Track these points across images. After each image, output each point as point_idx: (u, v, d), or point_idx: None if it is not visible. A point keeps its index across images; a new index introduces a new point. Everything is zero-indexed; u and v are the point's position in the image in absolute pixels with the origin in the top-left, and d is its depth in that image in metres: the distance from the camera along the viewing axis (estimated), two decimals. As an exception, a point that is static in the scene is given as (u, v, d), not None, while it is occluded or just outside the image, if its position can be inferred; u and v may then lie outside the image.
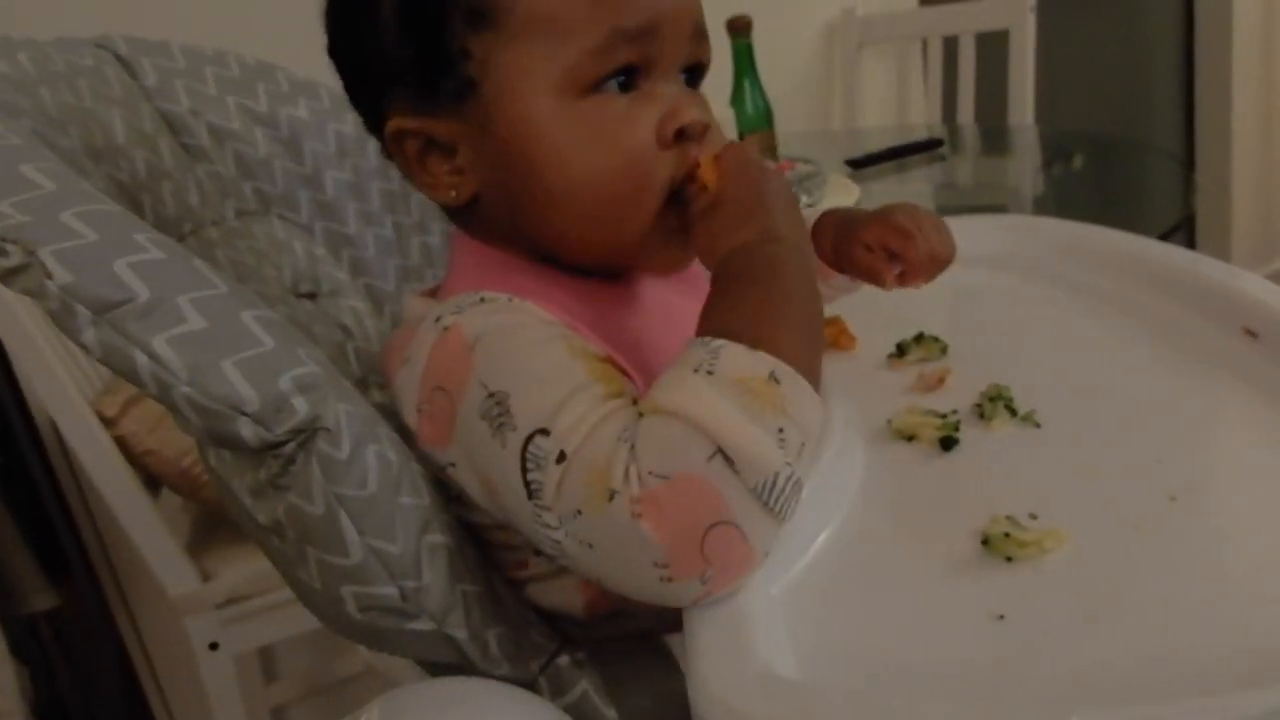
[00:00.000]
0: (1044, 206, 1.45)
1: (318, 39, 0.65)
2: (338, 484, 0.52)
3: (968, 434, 0.63)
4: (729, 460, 0.47)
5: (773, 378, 0.49)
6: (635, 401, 0.53)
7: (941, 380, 0.70)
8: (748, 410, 0.48)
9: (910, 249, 0.69)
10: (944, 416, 0.65)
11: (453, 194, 0.63)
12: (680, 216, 0.61)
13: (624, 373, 0.58)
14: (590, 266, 0.64)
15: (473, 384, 0.55)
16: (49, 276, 0.49)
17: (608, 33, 0.58)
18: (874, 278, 0.71)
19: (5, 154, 0.53)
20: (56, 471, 1.88)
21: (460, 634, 0.56)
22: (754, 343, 0.50)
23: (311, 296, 0.82)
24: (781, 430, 0.49)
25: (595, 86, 0.60)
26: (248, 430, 0.50)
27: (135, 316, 0.50)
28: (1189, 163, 3.04)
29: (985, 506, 0.55)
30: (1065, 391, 0.66)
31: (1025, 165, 1.79)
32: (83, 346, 0.50)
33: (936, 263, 0.71)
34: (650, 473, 0.48)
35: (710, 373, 0.49)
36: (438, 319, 0.59)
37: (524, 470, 0.52)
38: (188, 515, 1.61)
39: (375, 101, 0.64)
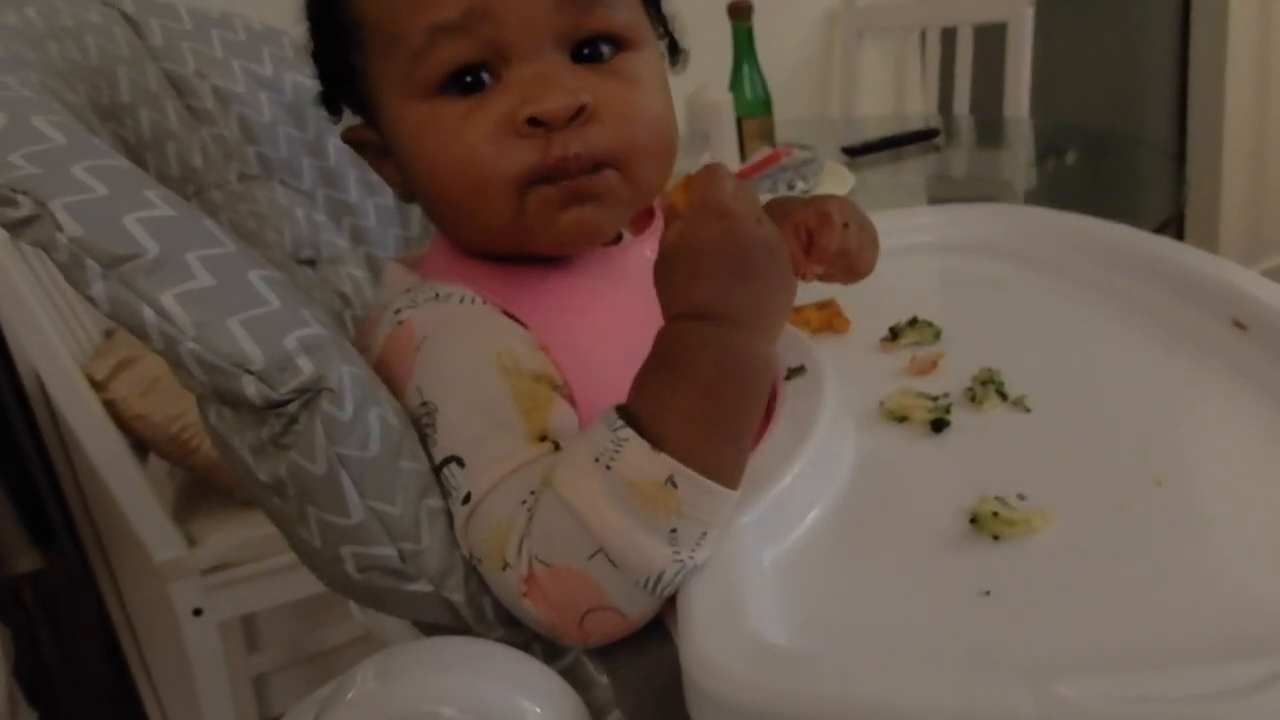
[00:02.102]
0: (1036, 200, 1.46)
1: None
2: (340, 444, 0.53)
3: (959, 417, 0.64)
4: (611, 560, 0.49)
5: (670, 482, 0.49)
6: (558, 444, 0.55)
7: (934, 364, 0.71)
8: (637, 514, 0.49)
9: (824, 236, 0.67)
10: (935, 399, 0.65)
11: (400, 193, 0.67)
12: (565, 189, 0.59)
13: (558, 386, 0.58)
14: (512, 256, 0.63)
15: (411, 387, 0.58)
16: (59, 229, 0.49)
17: (426, 31, 0.58)
18: (794, 266, 0.69)
19: (16, 105, 0.53)
20: (43, 434, 1.88)
21: (458, 597, 0.57)
22: (659, 439, 0.49)
23: (311, 263, 0.82)
24: (675, 530, 0.49)
25: (441, 87, 0.59)
26: (252, 388, 0.51)
27: (144, 272, 0.50)
28: (1180, 159, 3.06)
29: (974, 487, 0.56)
30: (1056, 377, 0.67)
31: (1019, 158, 1.80)
32: (91, 300, 0.50)
33: (844, 261, 0.70)
34: (537, 557, 0.51)
35: (608, 467, 0.49)
36: (396, 310, 0.61)
37: (440, 486, 0.56)
38: (174, 481, 1.61)
39: (337, 108, 0.68)
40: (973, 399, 0.65)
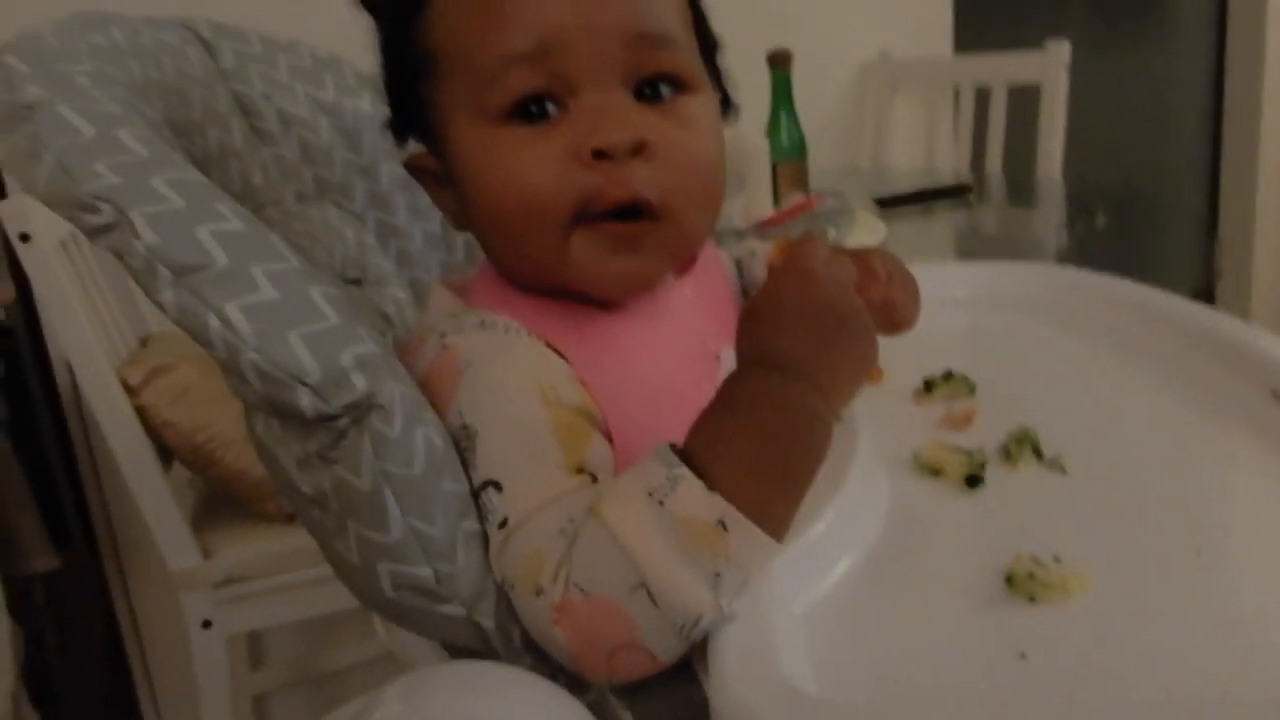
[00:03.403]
0: (1066, 261, 1.47)
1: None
2: (386, 461, 0.54)
3: (993, 473, 0.64)
4: (652, 597, 0.49)
5: (721, 524, 0.50)
6: (595, 477, 0.56)
7: (969, 419, 0.71)
8: (686, 552, 0.49)
9: (869, 288, 0.68)
10: (970, 454, 0.66)
11: (454, 220, 0.68)
12: (614, 234, 0.60)
13: (597, 422, 0.59)
14: (558, 291, 0.64)
15: (453, 410, 0.59)
16: (136, 236, 0.51)
17: (499, 60, 0.59)
18: None
19: (104, 119, 0.55)
20: (70, 433, 1.90)
21: (488, 623, 0.58)
22: (715, 479, 0.50)
23: (357, 283, 0.84)
24: (719, 574, 0.50)
25: (508, 114, 0.60)
26: (306, 401, 0.52)
27: (212, 281, 0.52)
28: (1213, 225, 3.06)
29: (1009, 545, 0.56)
30: (1092, 439, 0.67)
31: (1049, 218, 1.81)
32: (160, 305, 0.52)
33: (890, 312, 0.70)
34: (575, 583, 0.51)
35: (661, 503, 0.50)
36: (442, 334, 0.62)
37: (476, 508, 0.57)
38: (194, 491, 1.62)
39: (403, 136, 0.70)
40: (1008, 456, 0.66)
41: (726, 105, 0.71)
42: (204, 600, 1.47)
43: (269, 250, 0.55)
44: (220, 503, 1.56)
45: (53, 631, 1.92)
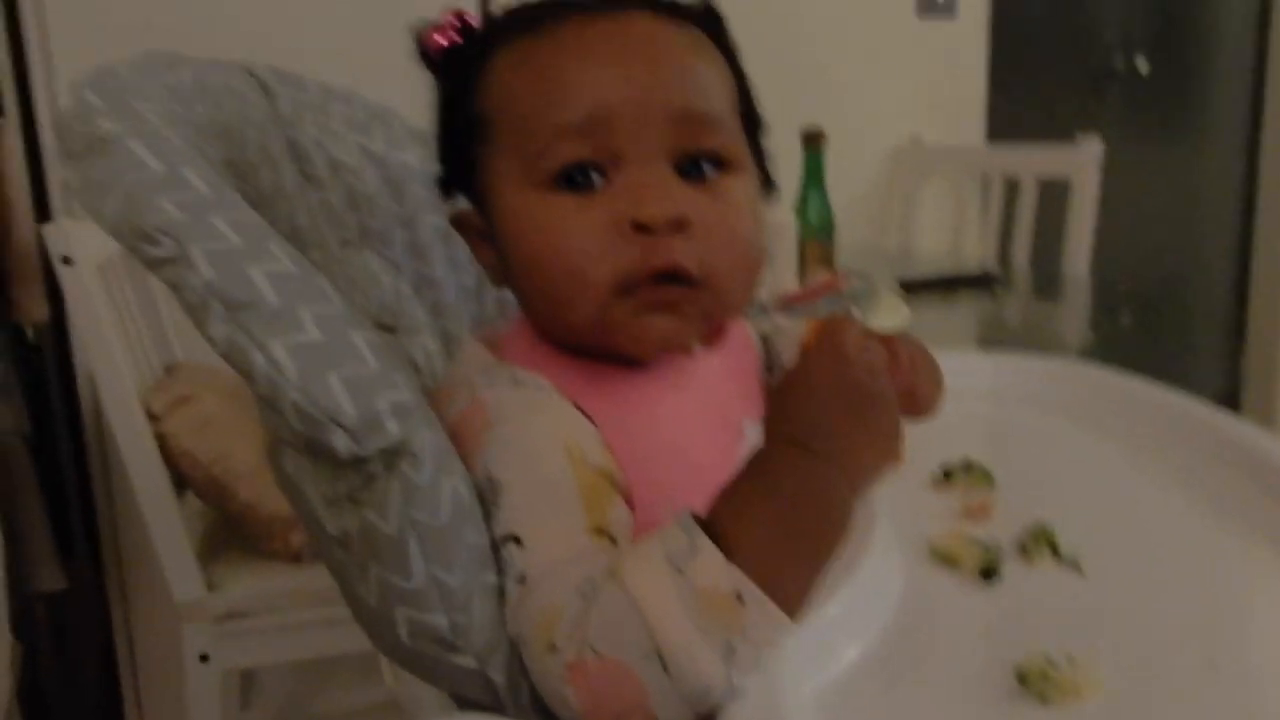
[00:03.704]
0: (1089, 358, 1.47)
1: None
2: (413, 508, 0.55)
3: (1009, 567, 0.64)
4: (664, 663, 0.50)
5: (738, 597, 0.50)
6: (615, 539, 0.56)
7: (986, 510, 0.72)
8: (701, 622, 0.50)
9: (893, 373, 0.67)
10: (986, 546, 0.66)
11: (494, 277, 0.70)
12: (652, 297, 0.61)
13: (619, 486, 0.60)
14: (592, 351, 0.65)
15: (479, 462, 0.60)
16: (194, 271, 0.53)
17: (551, 129, 0.61)
18: None
19: (172, 156, 0.57)
20: (88, 454, 1.91)
21: (499, 677, 0.58)
22: (735, 551, 0.51)
23: (391, 330, 0.85)
24: (733, 648, 0.50)
25: (554, 182, 0.62)
26: (341, 442, 0.53)
27: (262, 319, 0.53)
28: (1239, 332, 3.06)
29: (1023, 642, 0.56)
30: (1110, 541, 0.68)
31: (1074, 314, 1.82)
32: (209, 339, 0.53)
33: (912, 398, 0.71)
34: (590, 644, 0.51)
35: (680, 570, 0.51)
36: (473, 387, 0.63)
37: (496, 561, 0.57)
38: (204, 522, 1.63)
39: (450, 192, 0.72)
40: (1024, 552, 0.66)
41: (768, 184, 0.72)
42: (204, 633, 1.47)
43: (317, 293, 0.57)
44: (229, 536, 1.57)
45: (50, 650, 1.91)
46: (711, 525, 0.52)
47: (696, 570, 0.50)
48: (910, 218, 2.53)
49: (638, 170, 0.61)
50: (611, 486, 0.60)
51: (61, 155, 0.61)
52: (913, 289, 1.73)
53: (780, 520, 0.53)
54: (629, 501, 0.61)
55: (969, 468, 0.77)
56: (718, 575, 0.50)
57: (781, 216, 1.61)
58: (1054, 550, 0.66)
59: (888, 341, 0.71)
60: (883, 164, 2.61)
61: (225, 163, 0.68)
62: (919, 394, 0.72)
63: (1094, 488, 0.78)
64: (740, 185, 0.65)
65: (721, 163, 0.64)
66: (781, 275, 1.56)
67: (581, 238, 0.61)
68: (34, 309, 1.85)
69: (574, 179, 0.61)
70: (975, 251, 2.44)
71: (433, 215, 0.91)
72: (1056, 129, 2.42)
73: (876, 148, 2.59)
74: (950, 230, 2.53)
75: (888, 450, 0.59)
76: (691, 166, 0.63)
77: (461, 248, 0.93)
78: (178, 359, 1.66)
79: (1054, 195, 2.24)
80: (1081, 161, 2.16)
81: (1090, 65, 3.01)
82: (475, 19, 0.69)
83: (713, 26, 0.68)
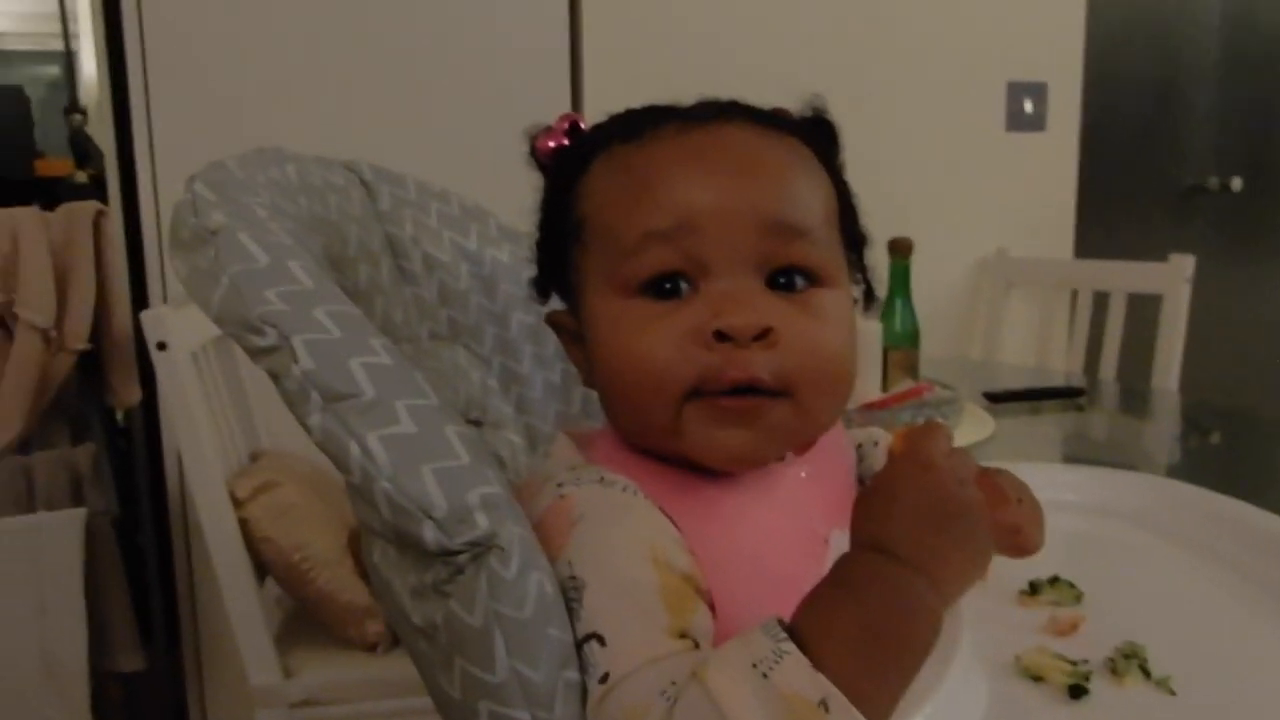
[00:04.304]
0: (1176, 475, 1.44)
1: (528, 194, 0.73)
2: (499, 602, 0.55)
3: (1098, 686, 0.63)
4: None
5: (823, 705, 0.49)
6: (697, 643, 0.56)
7: (1075, 626, 0.70)
8: None
9: (999, 510, 0.66)
10: (1074, 664, 0.65)
11: (584, 378, 0.71)
12: (725, 408, 0.61)
13: (702, 591, 0.59)
14: (671, 458, 0.65)
15: (562, 559, 0.59)
16: (295, 361, 0.55)
17: (639, 235, 0.62)
18: None
19: (277, 249, 0.60)
20: (171, 537, 1.95)
21: None
22: (821, 659, 0.50)
23: (478, 424, 0.87)
24: None
25: (641, 288, 0.62)
26: (430, 534, 0.54)
27: (358, 411, 0.55)
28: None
29: (1112, 763, 0.55)
30: (1201, 663, 0.66)
31: (1163, 431, 1.78)
32: (306, 427, 0.55)
33: (1017, 536, 0.69)
34: None
35: (765, 675, 0.50)
36: (559, 484, 0.64)
37: (578, 660, 0.57)
38: (282, 609, 1.64)
39: (546, 292, 0.73)
40: (1114, 671, 0.64)
41: (870, 298, 0.72)
42: (279, 719, 1.48)
43: (412, 386, 0.58)
44: (307, 623, 1.58)
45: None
46: (797, 632, 0.52)
47: (781, 676, 0.50)
48: (995, 329, 2.51)
49: (725, 280, 0.62)
50: (694, 591, 0.59)
51: (171, 244, 0.64)
52: (998, 400, 1.71)
53: (866, 629, 0.52)
54: (711, 607, 0.60)
55: (1055, 582, 0.76)
56: (803, 682, 0.49)
57: (865, 323, 1.61)
58: (1144, 670, 0.64)
59: (993, 475, 0.69)
60: (969, 275, 2.60)
61: (325, 256, 0.70)
62: (1024, 532, 0.70)
63: (1183, 607, 0.75)
64: (832, 298, 0.65)
65: (813, 276, 0.64)
66: (865, 383, 1.56)
67: (661, 345, 0.61)
68: (127, 393, 1.92)
69: (660, 286, 0.62)
70: (1061, 365, 2.40)
71: (522, 313, 0.93)
72: (1145, 246, 2.40)
73: (963, 258, 2.59)
74: (1036, 343, 2.51)
75: (976, 561, 0.57)
76: (782, 278, 0.63)
77: (549, 345, 0.95)
78: (263, 446, 1.69)
79: (1142, 310, 2.21)
80: (1173, 278, 2.13)
81: (1181, 183, 2.99)
82: (585, 124, 0.71)
83: (817, 140, 0.69)
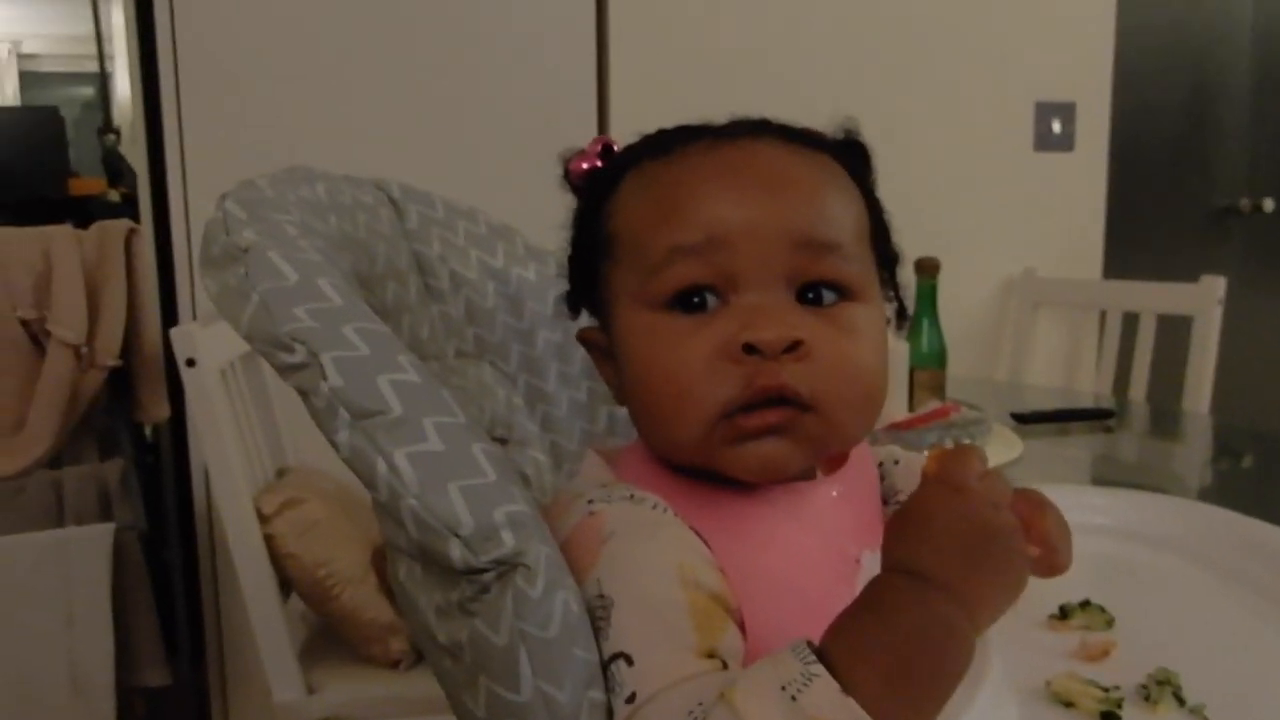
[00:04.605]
0: (1207, 499, 1.42)
1: (560, 215, 0.73)
2: (524, 620, 0.55)
3: (1130, 713, 0.61)
4: None
5: None
6: (725, 663, 0.55)
7: (1106, 652, 0.69)
8: None
9: (1039, 530, 0.66)
10: (1106, 690, 0.63)
11: (616, 395, 0.71)
12: (757, 419, 0.60)
13: (732, 610, 0.59)
14: (702, 473, 0.65)
15: (591, 577, 0.59)
16: (324, 378, 0.55)
17: (667, 250, 0.62)
18: None
19: (307, 267, 0.60)
20: (198, 552, 1.96)
21: None
22: (852, 685, 0.49)
23: (503, 442, 0.87)
24: None
25: (669, 303, 0.62)
26: (456, 552, 0.54)
27: (385, 428, 0.55)
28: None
29: (1144, 791, 0.54)
30: (1236, 691, 0.64)
31: (1194, 454, 1.76)
32: (334, 444, 0.55)
33: (1050, 560, 0.68)
34: None
35: (794, 699, 0.49)
36: (589, 500, 0.63)
37: (605, 679, 0.56)
38: (306, 625, 1.65)
39: (577, 310, 0.74)
40: (1147, 698, 0.63)
41: (902, 316, 0.72)
42: (302, 736, 1.48)
43: (440, 404, 0.58)
44: (330, 640, 1.59)
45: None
46: (826, 655, 0.51)
47: (809, 699, 0.49)
48: (1023, 350, 2.50)
49: (754, 294, 0.62)
50: (724, 611, 0.59)
51: (202, 262, 0.65)
52: (1026, 421, 1.70)
53: (896, 653, 0.51)
54: (741, 627, 0.60)
55: (1086, 606, 0.74)
56: (832, 706, 0.49)
57: (892, 343, 1.60)
58: (1178, 697, 0.63)
59: (1030, 496, 0.69)
60: (996, 295, 2.59)
61: (354, 273, 0.71)
62: (1058, 555, 0.69)
63: (1217, 633, 0.74)
64: (863, 313, 0.64)
65: (843, 290, 0.64)
66: (891, 403, 1.55)
67: (691, 359, 0.61)
68: (156, 409, 1.94)
69: (689, 301, 0.62)
70: (1089, 386, 2.38)
71: (548, 331, 0.93)
72: (1175, 267, 2.38)
73: (990, 278, 2.58)
74: (1064, 364, 2.49)
75: (1010, 584, 0.56)
76: (811, 292, 0.63)
77: (575, 364, 0.95)
78: (289, 462, 1.70)
79: (1173, 332, 2.19)
80: (1204, 299, 2.11)
81: (1212, 204, 2.97)
82: (618, 146, 0.71)
83: (850, 158, 0.69)
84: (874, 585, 0.54)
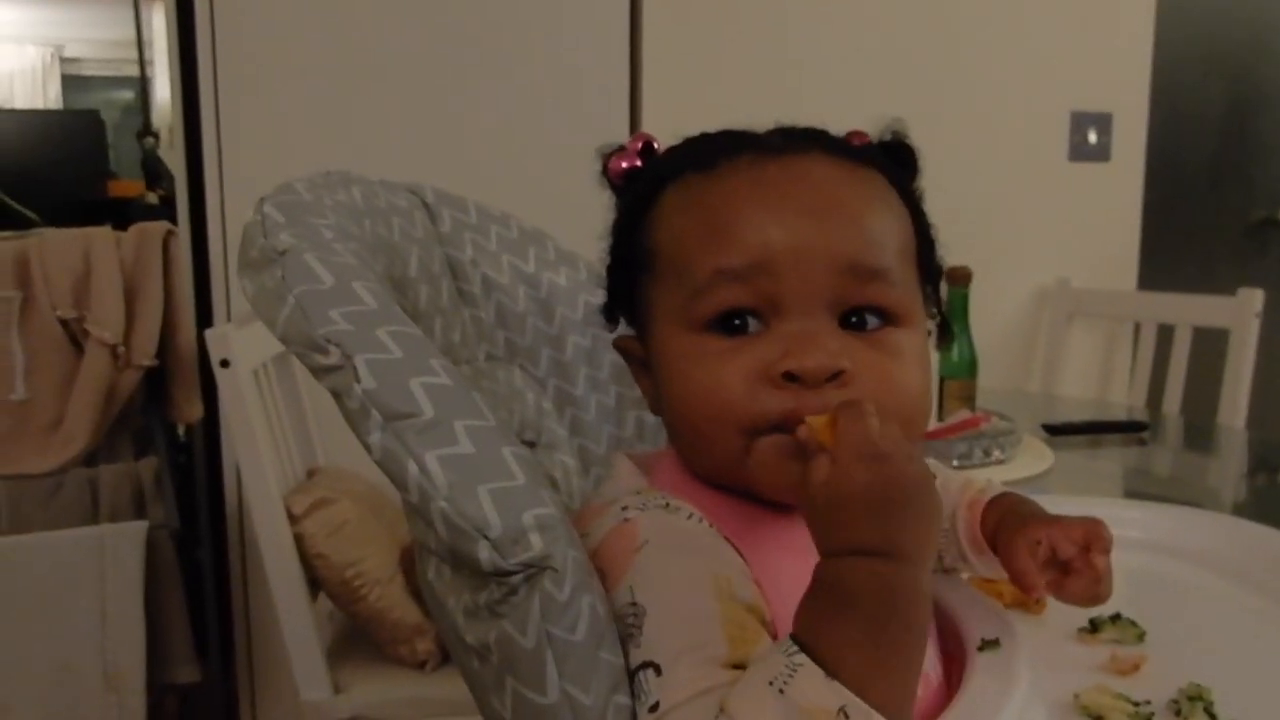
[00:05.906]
0: (1241, 514, 1.40)
1: (592, 219, 0.73)
2: (552, 623, 0.55)
3: (1161, 727, 0.61)
4: None
5: (842, 713, 0.49)
6: None
7: (1136, 666, 0.68)
8: None
9: (1100, 545, 0.66)
10: (1137, 704, 0.63)
11: (652, 405, 0.71)
12: (792, 444, 0.59)
13: (767, 622, 0.58)
14: (736, 489, 0.64)
15: (624, 584, 0.59)
16: (357, 380, 0.56)
17: (711, 273, 0.61)
18: (1024, 578, 0.68)
19: (342, 270, 0.61)
20: (228, 551, 1.98)
21: None
22: (835, 667, 0.49)
23: (531, 445, 0.87)
24: None
25: (710, 324, 0.62)
26: (485, 554, 0.55)
27: (417, 430, 0.56)
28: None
29: (1174, 806, 0.53)
30: (1273, 710, 0.64)
31: (1229, 468, 1.74)
32: (366, 445, 0.56)
33: (1093, 589, 0.68)
34: None
35: (781, 691, 0.50)
36: (624, 507, 0.63)
37: (631, 686, 0.56)
38: (333, 625, 1.66)
39: (614, 318, 0.74)
40: (1178, 713, 0.63)
41: (944, 335, 0.71)
42: (329, 735, 1.49)
43: (471, 407, 0.59)
44: (357, 640, 1.59)
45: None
46: (805, 644, 0.51)
47: (797, 690, 0.49)
48: (1055, 361, 2.48)
49: (797, 320, 0.61)
50: (758, 622, 0.58)
51: (240, 264, 0.65)
52: (1057, 433, 1.69)
53: (867, 629, 0.51)
54: (775, 639, 0.59)
55: (1117, 619, 0.74)
56: (818, 693, 0.49)
57: (921, 353, 1.59)
58: (1210, 713, 0.62)
59: (1095, 525, 0.68)
60: (1029, 305, 2.57)
61: (388, 277, 0.72)
62: (1102, 586, 0.68)
63: (1250, 649, 0.73)
64: (907, 338, 0.63)
65: (887, 315, 0.63)
66: (920, 411, 1.54)
67: (730, 380, 0.61)
68: (190, 409, 1.96)
69: (731, 323, 0.62)
70: (1123, 399, 2.36)
71: (578, 336, 0.93)
72: (1211, 279, 2.35)
73: (1023, 288, 2.56)
74: (1097, 376, 2.47)
75: (937, 523, 0.55)
76: (855, 317, 0.62)
77: (604, 369, 0.95)
78: (319, 463, 1.71)
79: (1208, 345, 2.17)
80: (1241, 312, 2.09)
81: (1249, 216, 2.94)
82: (659, 144, 0.71)
83: (895, 169, 0.68)
84: (822, 574, 0.53)
